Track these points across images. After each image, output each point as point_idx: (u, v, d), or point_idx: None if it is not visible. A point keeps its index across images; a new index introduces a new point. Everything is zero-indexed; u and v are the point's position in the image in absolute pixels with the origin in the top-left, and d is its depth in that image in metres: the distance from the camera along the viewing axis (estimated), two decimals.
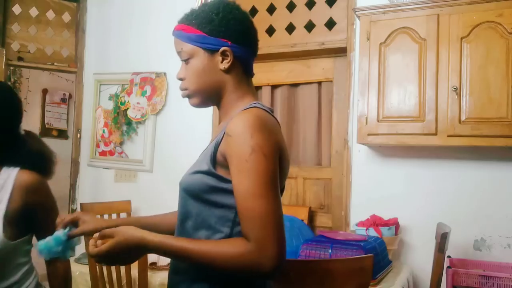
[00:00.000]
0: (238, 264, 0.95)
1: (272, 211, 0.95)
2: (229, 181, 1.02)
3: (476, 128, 2.27)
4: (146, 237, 1.00)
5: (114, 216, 3.22)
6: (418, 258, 2.61)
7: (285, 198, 3.20)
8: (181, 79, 1.18)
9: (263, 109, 1.08)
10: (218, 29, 1.12)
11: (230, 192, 1.02)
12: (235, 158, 0.99)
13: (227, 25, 1.12)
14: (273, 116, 1.11)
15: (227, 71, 1.14)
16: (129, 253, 1.02)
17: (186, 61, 1.15)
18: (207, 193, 1.05)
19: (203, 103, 1.21)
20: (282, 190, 1.10)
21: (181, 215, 1.12)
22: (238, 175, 0.98)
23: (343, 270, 1.24)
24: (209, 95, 1.18)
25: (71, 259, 2.43)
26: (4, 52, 3.52)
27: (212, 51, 1.12)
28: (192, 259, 0.98)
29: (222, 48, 1.12)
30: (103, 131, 3.74)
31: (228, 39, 1.12)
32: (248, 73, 1.20)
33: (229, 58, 1.13)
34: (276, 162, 1.00)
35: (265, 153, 0.98)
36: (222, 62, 1.13)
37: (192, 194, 1.08)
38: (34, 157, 1.58)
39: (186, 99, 1.21)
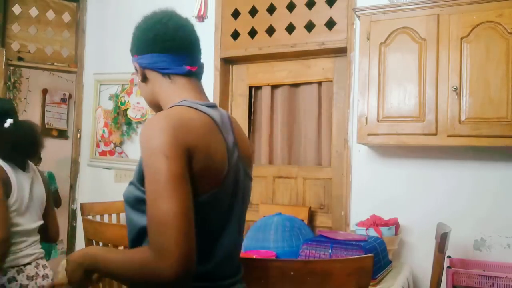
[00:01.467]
0: (141, 272, 0.92)
1: (174, 214, 0.89)
2: None
3: (476, 128, 2.26)
4: (89, 250, 1.09)
5: (114, 216, 3.22)
6: (418, 258, 2.61)
7: (285, 198, 3.20)
8: None
9: (186, 106, 1.06)
10: (131, 50, 1.19)
11: None
12: (143, 165, 0.98)
13: (132, 42, 1.18)
14: (207, 111, 1.08)
15: (143, 80, 1.17)
16: (83, 270, 1.07)
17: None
18: (137, 204, 1.04)
19: (155, 110, 1.22)
20: (226, 189, 1.06)
21: (127, 225, 1.10)
22: (145, 181, 0.96)
23: (343, 270, 1.24)
24: (153, 105, 1.22)
25: None
26: (4, 52, 3.52)
27: (136, 72, 1.19)
28: (111, 269, 1.00)
29: (134, 66, 1.17)
30: (103, 131, 3.74)
31: (136, 53, 1.16)
32: (167, 71, 1.14)
33: (140, 72, 1.17)
34: (182, 162, 0.94)
35: (167, 154, 0.93)
36: (139, 77, 1.18)
37: (128, 204, 1.07)
38: None
39: None
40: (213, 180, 1.02)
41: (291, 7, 3.14)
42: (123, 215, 3.30)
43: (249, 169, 1.20)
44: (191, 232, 0.91)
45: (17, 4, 3.74)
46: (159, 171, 0.93)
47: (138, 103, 3.57)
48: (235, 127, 1.17)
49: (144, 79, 1.17)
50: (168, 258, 0.87)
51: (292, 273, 1.20)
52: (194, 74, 1.17)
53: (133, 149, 3.65)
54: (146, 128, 0.98)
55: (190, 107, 1.06)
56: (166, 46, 1.13)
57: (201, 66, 1.21)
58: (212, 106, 1.12)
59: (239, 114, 3.42)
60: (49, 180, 2.96)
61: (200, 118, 1.04)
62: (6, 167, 1.90)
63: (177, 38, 1.15)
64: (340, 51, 3.00)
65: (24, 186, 1.97)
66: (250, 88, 3.40)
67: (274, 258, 2.27)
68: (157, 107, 1.20)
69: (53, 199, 2.89)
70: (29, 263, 1.96)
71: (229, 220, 1.09)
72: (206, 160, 1.00)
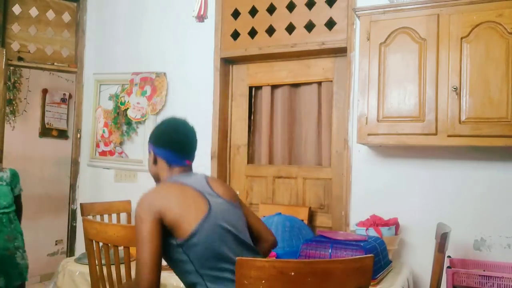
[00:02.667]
0: None
1: (144, 259, 1.46)
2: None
3: (476, 128, 2.26)
4: None
5: (114, 216, 3.22)
6: (418, 258, 2.61)
7: (285, 198, 3.20)
8: None
9: (170, 182, 1.63)
10: (150, 138, 1.75)
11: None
12: None
13: (153, 135, 1.75)
14: (186, 179, 1.63)
15: (154, 162, 1.73)
16: None
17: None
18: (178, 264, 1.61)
19: (156, 182, 1.75)
20: (205, 231, 1.53)
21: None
22: None
23: (344, 270, 1.24)
24: (155, 178, 1.76)
25: (72, 259, 2.43)
26: (4, 52, 3.52)
27: (149, 153, 1.75)
28: None
29: (150, 151, 1.73)
30: (103, 131, 3.74)
31: (153, 144, 1.73)
32: (170, 162, 1.70)
33: (152, 157, 1.72)
34: (153, 223, 1.49)
35: (142, 218, 1.50)
36: (150, 158, 1.73)
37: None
38: None
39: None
40: (186, 229, 1.50)
41: (291, 7, 3.14)
42: (123, 215, 3.31)
43: (235, 201, 1.72)
44: (156, 269, 1.46)
45: (17, 4, 3.74)
46: (138, 230, 1.50)
47: (138, 103, 3.57)
48: (211, 182, 1.71)
49: (155, 162, 1.71)
50: (141, 283, 1.45)
51: (292, 273, 1.20)
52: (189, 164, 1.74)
53: (133, 149, 3.65)
54: (139, 200, 1.55)
55: (170, 182, 1.62)
56: (175, 148, 1.69)
57: (194, 157, 1.77)
58: (190, 176, 1.68)
59: (239, 114, 3.42)
60: (13, 179, 2.94)
61: (176, 188, 1.59)
62: None
63: (183, 143, 1.72)
64: (340, 51, 3.00)
65: None
66: (250, 88, 3.40)
67: (274, 258, 2.27)
68: (156, 178, 1.74)
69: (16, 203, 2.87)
70: None
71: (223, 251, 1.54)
72: (176, 216, 1.50)
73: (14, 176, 2.96)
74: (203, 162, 3.34)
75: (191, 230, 1.50)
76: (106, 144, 3.74)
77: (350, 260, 1.28)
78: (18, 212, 2.99)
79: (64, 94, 5.07)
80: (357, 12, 2.60)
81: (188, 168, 1.73)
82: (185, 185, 1.59)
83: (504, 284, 2.15)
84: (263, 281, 1.21)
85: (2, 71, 3.49)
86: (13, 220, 2.89)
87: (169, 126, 1.74)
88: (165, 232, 1.51)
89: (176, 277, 2.06)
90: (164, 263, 2.20)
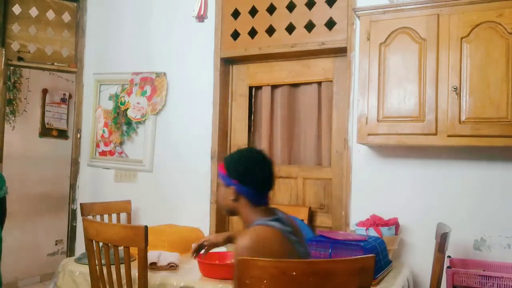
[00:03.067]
0: None
1: None
2: None
3: (476, 128, 2.27)
4: None
5: (114, 216, 3.22)
6: (418, 258, 2.61)
7: (285, 198, 3.20)
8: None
9: (263, 225, 1.53)
10: (232, 172, 1.64)
11: None
12: None
13: (238, 171, 1.63)
14: (276, 221, 1.55)
15: (234, 200, 1.64)
16: None
17: (217, 187, 1.80)
18: None
19: (228, 215, 1.84)
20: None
21: None
22: None
23: (345, 270, 1.24)
24: (228, 212, 1.71)
25: (72, 259, 2.43)
26: (4, 51, 3.52)
27: (227, 186, 1.65)
28: None
29: (231, 186, 1.63)
30: (103, 131, 3.74)
31: (237, 180, 1.62)
32: (255, 202, 1.64)
33: (234, 194, 1.63)
34: None
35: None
36: (231, 194, 1.64)
37: None
38: None
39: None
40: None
41: (291, 7, 3.14)
42: (123, 215, 3.31)
43: (303, 241, 1.69)
44: None
45: (17, 4, 3.74)
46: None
47: (138, 103, 3.57)
48: (289, 222, 1.65)
49: (236, 199, 1.63)
50: None
51: (294, 273, 1.20)
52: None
53: (133, 149, 3.65)
54: (238, 244, 1.46)
55: (265, 225, 1.53)
56: (263, 187, 1.65)
57: None
58: (277, 219, 1.58)
59: (239, 114, 3.42)
60: None
61: (272, 234, 1.52)
62: None
63: (269, 181, 1.66)
64: (340, 51, 3.00)
65: None
66: (250, 88, 3.40)
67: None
68: (231, 213, 1.69)
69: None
70: None
71: None
72: (289, 254, 1.50)
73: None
74: (203, 162, 3.34)
75: None
76: (106, 144, 3.74)
77: (352, 260, 1.28)
78: (1, 216, 2.80)
79: (64, 94, 5.07)
80: (357, 12, 2.60)
81: (269, 205, 1.69)
82: (283, 233, 1.54)
83: (504, 284, 2.15)
84: (265, 281, 1.22)
85: (2, 71, 3.49)
86: None
87: (254, 162, 1.65)
88: None
89: (176, 277, 2.07)
90: (164, 263, 2.21)
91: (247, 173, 1.62)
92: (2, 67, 3.48)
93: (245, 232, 1.52)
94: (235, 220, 3.37)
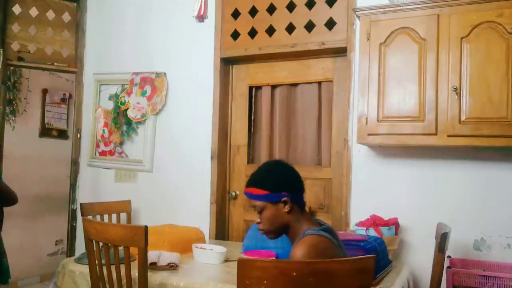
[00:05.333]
0: None
1: None
2: None
3: (476, 128, 2.27)
4: None
5: (114, 216, 3.22)
6: (418, 258, 2.61)
7: None
8: (258, 223, 1.67)
9: (315, 234, 1.52)
10: (277, 186, 1.60)
11: None
12: None
13: (282, 182, 1.62)
14: (325, 231, 1.55)
15: (289, 212, 1.60)
16: None
17: (259, 212, 1.63)
18: None
19: (277, 236, 1.67)
20: None
21: None
22: None
23: (345, 270, 1.24)
24: (280, 231, 1.65)
25: (72, 259, 2.43)
26: (1, 51, 3.51)
27: (276, 203, 1.60)
28: None
29: (283, 199, 1.60)
30: (103, 131, 3.74)
31: (285, 191, 1.60)
32: (302, 206, 1.66)
33: (289, 204, 1.60)
34: None
35: None
36: (284, 207, 1.60)
37: None
38: None
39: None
40: None
41: (291, 7, 3.14)
42: (123, 215, 3.31)
43: (345, 251, 1.67)
44: None
45: (17, 4, 3.73)
46: None
47: (138, 103, 3.57)
48: (334, 231, 1.64)
49: (291, 210, 1.60)
50: None
51: (294, 273, 1.20)
52: None
53: (133, 149, 3.65)
54: (295, 254, 1.46)
55: (317, 235, 1.52)
56: (302, 188, 1.68)
57: None
58: (325, 229, 1.58)
59: (239, 114, 3.42)
60: None
61: (325, 243, 1.51)
62: None
63: (303, 183, 1.70)
64: (340, 51, 3.00)
65: None
66: (250, 88, 3.40)
67: (274, 258, 2.27)
68: (282, 232, 1.65)
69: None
70: None
71: None
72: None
73: None
74: (203, 162, 3.34)
75: None
76: (106, 144, 3.74)
77: (352, 260, 1.28)
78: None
79: (64, 94, 5.07)
80: (357, 12, 2.60)
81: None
82: (333, 243, 1.56)
83: (504, 284, 2.15)
84: (265, 281, 1.22)
85: (0, 71, 3.49)
86: None
87: (285, 168, 1.69)
88: None
89: (176, 277, 2.07)
90: (164, 263, 2.21)
91: (290, 179, 1.65)
92: (0, 67, 3.48)
93: (299, 242, 1.50)
94: (235, 221, 3.37)
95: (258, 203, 1.62)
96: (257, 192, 1.61)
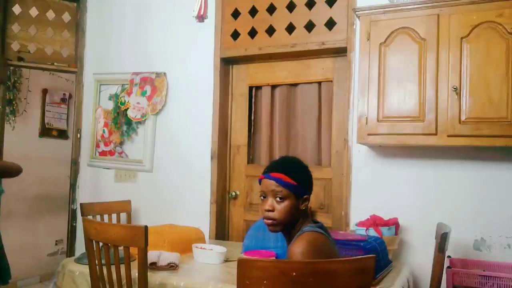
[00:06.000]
0: None
1: None
2: None
3: (476, 128, 2.27)
4: None
5: (114, 216, 3.22)
6: (418, 258, 2.61)
7: None
8: (269, 211, 1.61)
9: (313, 231, 1.54)
10: (305, 182, 1.63)
11: None
12: None
13: (307, 181, 1.66)
14: (320, 228, 1.58)
15: (303, 210, 1.63)
16: None
17: (280, 199, 1.59)
18: None
19: (282, 229, 1.64)
20: None
21: None
22: None
23: (345, 270, 1.24)
24: (289, 225, 1.62)
25: (72, 259, 2.43)
26: None
27: (299, 197, 1.61)
28: None
29: (305, 196, 1.63)
30: (103, 131, 3.74)
31: (309, 189, 1.66)
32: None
33: (307, 202, 1.63)
34: None
35: None
36: (302, 204, 1.62)
37: None
38: None
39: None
40: None
41: (291, 7, 3.14)
42: (123, 215, 3.31)
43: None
44: None
45: (17, 4, 3.73)
46: None
47: (138, 103, 3.57)
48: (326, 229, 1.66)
49: (304, 209, 1.63)
50: None
51: (294, 273, 1.20)
52: None
53: (133, 149, 3.65)
54: (294, 251, 1.46)
55: (314, 231, 1.55)
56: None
57: None
58: (321, 226, 1.61)
59: (239, 114, 3.42)
60: None
61: (323, 239, 1.55)
62: None
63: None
64: (340, 51, 3.00)
65: None
66: (250, 88, 3.40)
67: (274, 258, 2.27)
68: (289, 227, 1.63)
69: None
70: None
71: None
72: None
73: None
74: (203, 162, 3.34)
75: None
76: (106, 144, 3.74)
77: (352, 260, 1.28)
78: None
79: (64, 94, 5.07)
80: (357, 12, 2.60)
81: None
82: (329, 239, 1.60)
83: (504, 284, 2.15)
84: (265, 281, 1.22)
85: None
86: None
87: (307, 168, 1.69)
88: None
89: (176, 277, 2.07)
90: (164, 263, 2.21)
91: (312, 181, 1.68)
92: None
93: (298, 238, 1.52)
94: (235, 221, 3.37)
95: (285, 191, 1.59)
96: (288, 180, 1.59)
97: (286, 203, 1.59)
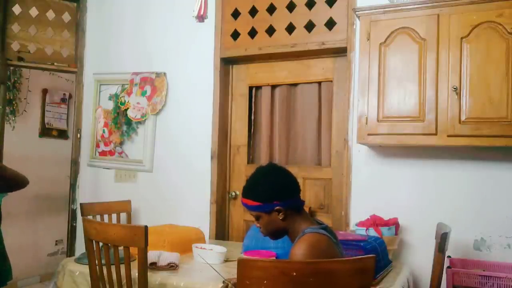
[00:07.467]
0: None
1: None
2: None
3: (476, 128, 2.27)
4: None
5: (114, 216, 3.22)
6: (418, 258, 2.61)
7: None
8: (259, 227, 1.72)
9: (314, 232, 1.55)
10: (268, 197, 1.63)
11: None
12: None
13: (272, 192, 1.64)
14: (323, 230, 1.58)
15: (283, 219, 1.64)
16: None
17: (257, 219, 1.69)
18: None
19: (278, 238, 1.72)
20: None
21: None
22: None
23: (345, 270, 1.24)
24: (278, 234, 1.70)
25: (72, 259, 2.44)
26: None
27: (270, 212, 1.64)
28: None
29: (276, 208, 1.63)
30: (103, 131, 3.74)
31: (277, 200, 1.63)
32: (298, 209, 1.68)
33: (282, 212, 1.63)
34: None
35: None
36: (278, 215, 1.63)
37: None
38: None
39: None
40: None
41: (291, 7, 3.14)
42: (123, 215, 3.31)
43: (342, 250, 1.69)
44: None
45: (17, 4, 3.73)
46: None
47: (138, 103, 3.57)
48: (333, 230, 1.68)
49: (285, 218, 1.64)
50: None
51: (294, 273, 1.20)
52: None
53: (133, 149, 3.65)
54: (294, 252, 1.49)
55: (316, 233, 1.55)
56: (297, 191, 1.69)
57: None
58: (324, 228, 1.62)
59: (239, 114, 3.42)
60: None
61: (325, 240, 1.54)
62: None
63: (295, 183, 1.70)
64: (340, 51, 3.00)
65: None
66: (250, 88, 3.40)
67: (274, 258, 2.27)
68: (281, 234, 1.69)
69: None
70: None
71: None
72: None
73: None
74: (203, 162, 3.34)
75: None
76: (106, 144, 3.74)
77: (352, 260, 1.28)
78: None
79: (64, 94, 5.07)
80: (357, 12, 2.60)
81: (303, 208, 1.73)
82: (332, 241, 1.59)
83: (504, 284, 2.15)
84: (265, 281, 1.22)
85: None
86: None
87: (276, 175, 1.69)
88: None
89: (176, 277, 2.07)
90: (164, 263, 2.21)
91: (280, 188, 1.65)
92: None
93: (299, 241, 1.54)
94: (235, 221, 3.37)
95: (254, 213, 1.68)
96: (251, 203, 1.66)
97: (262, 221, 1.68)
